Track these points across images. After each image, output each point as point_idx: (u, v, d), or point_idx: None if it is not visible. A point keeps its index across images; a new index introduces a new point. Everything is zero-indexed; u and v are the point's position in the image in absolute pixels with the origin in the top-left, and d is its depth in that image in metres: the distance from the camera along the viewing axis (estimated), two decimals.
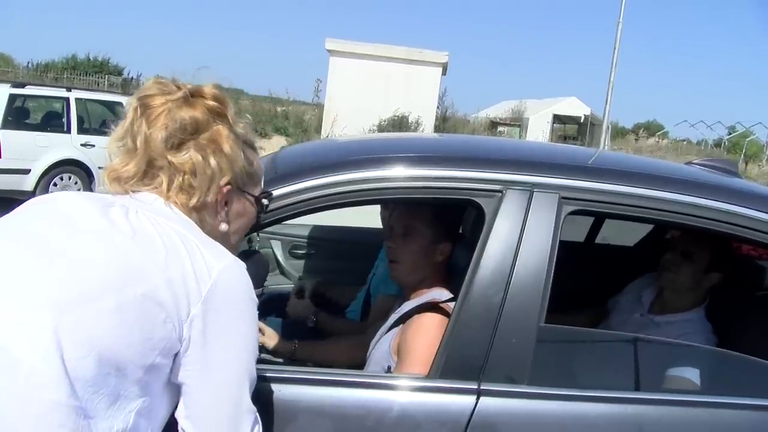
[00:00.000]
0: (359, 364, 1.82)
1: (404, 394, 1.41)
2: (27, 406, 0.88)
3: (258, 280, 1.68)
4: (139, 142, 1.09)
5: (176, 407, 1.07)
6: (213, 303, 1.02)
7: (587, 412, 1.43)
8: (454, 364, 1.41)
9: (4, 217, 1.09)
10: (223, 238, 1.16)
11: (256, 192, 1.25)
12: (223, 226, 1.17)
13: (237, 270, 1.07)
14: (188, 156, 1.10)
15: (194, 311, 1.00)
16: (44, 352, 0.90)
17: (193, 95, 1.14)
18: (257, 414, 1.11)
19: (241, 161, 1.18)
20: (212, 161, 1.11)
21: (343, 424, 1.38)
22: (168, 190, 1.10)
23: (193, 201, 1.11)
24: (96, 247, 1.00)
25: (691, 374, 1.71)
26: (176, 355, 1.03)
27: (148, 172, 1.11)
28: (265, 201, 1.29)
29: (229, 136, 1.15)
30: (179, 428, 1.07)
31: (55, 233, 1.02)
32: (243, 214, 1.23)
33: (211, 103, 1.15)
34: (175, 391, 1.06)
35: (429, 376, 1.42)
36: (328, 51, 19.55)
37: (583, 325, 2.03)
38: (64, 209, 1.07)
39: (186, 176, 1.10)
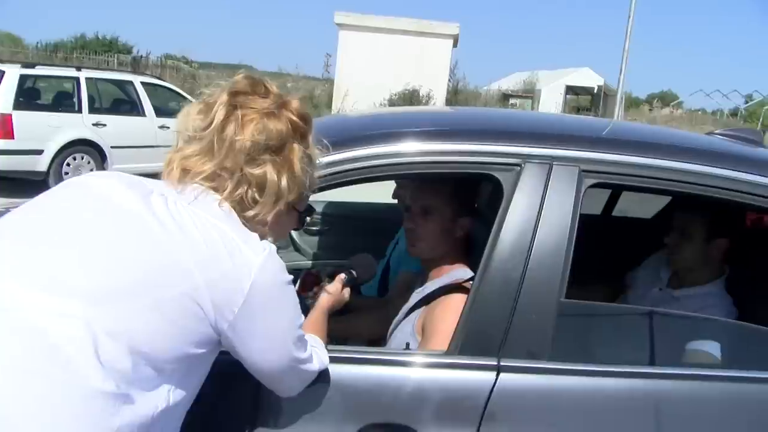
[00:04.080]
0: (380, 338, 1.82)
1: (424, 371, 1.40)
2: (68, 393, 0.90)
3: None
4: (223, 145, 1.08)
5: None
6: (255, 298, 1.04)
7: (608, 387, 1.42)
8: (474, 340, 1.40)
9: (38, 198, 1.09)
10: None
11: (302, 207, 1.25)
12: (270, 239, 1.17)
13: (272, 259, 1.08)
14: (263, 171, 1.10)
15: (237, 309, 1.03)
16: (79, 342, 0.91)
17: (282, 106, 1.13)
18: (315, 349, 1.25)
19: (306, 184, 1.18)
20: (283, 182, 1.11)
21: (362, 401, 1.38)
22: (228, 196, 1.09)
23: (250, 213, 1.11)
24: (136, 240, 1.00)
25: (712, 348, 1.70)
26: (216, 342, 1.07)
27: (215, 174, 1.10)
28: (308, 218, 1.29)
29: (303, 158, 1.15)
30: None
31: (94, 220, 1.02)
32: (286, 224, 1.24)
33: (296, 119, 1.14)
34: (214, 357, 1.12)
35: (448, 353, 1.41)
36: (338, 25, 19.36)
37: (602, 299, 2.01)
38: (103, 195, 1.06)
39: (253, 189, 1.10)
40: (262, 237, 1.13)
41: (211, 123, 1.09)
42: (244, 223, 1.10)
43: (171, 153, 1.13)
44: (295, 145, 1.13)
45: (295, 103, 1.16)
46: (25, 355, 0.89)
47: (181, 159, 1.10)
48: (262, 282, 1.04)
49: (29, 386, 0.88)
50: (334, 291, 1.56)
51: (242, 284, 1.02)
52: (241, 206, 1.10)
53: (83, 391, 0.90)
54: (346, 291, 1.61)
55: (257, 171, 1.09)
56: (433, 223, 1.72)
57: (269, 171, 1.10)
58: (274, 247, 1.10)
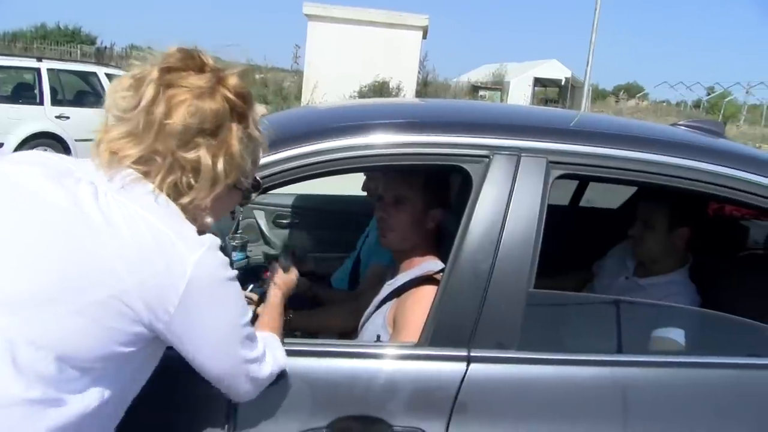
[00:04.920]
0: (352, 331, 1.82)
1: (395, 363, 1.40)
2: None
3: None
4: (152, 128, 0.99)
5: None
6: (192, 297, 0.98)
7: (576, 375, 1.44)
8: (444, 331, 1.40)
9: None
10: (201, 224, 1.08)
11: (246, 185, 1.16)
12: (208, 220, 1.10)
13: (211, 256, 1.00)
14: (196, 155, 1.01)
15: (172, 309, 0.96)
16: None
17: (218, 83, 1.04)
18: (270, 349, 1.19)
19: (248, 166, 1.10)
20: (219, 166, 1.03)
21: (334, 394, 1.37)
22: (161, 182, 1.01)
23: (185, 200, 1.03)
24: (58, 239, 0.94)
25: (676, 335, 1.74)
26: (152, 339, 1.01)
27: (145, 157, 1.01)
28: (253, 194, 1.21)
29: (242, 138, 1.05)
30: None
31: (13, 217, 0.96)
32: (228, 204, 1.16)
33: (233, 98, 1.05)
34: (156, 349, 1.06)
35: (419, 344, 1.41)
36: (306, 16, 19.17)
37: (570, 289, 2.04)
38: (25, 186, 0.98)
39: (188, 175, 1.02)
40: (202, 220, 1.07)
41: (139, 103, 1.00)
42: (181, 210, 1.03)
43: (100, 133, 1.04)
44: (233, 126, 1.04)
45: (232, 80, 1.05)
46: None
47: (109, 141, 1.02)
48: (198, 280, 0.97)
49: None
50: (279, 281, 1.55)
51: (176, 282, 0.95)
52: (176, 192, 1.02)
53: (2, 399, 0.86)
54: (293, 272, 1.58)
55: (190, 155, 1.00)
56: (404, 214, 1.72)
57: (203, 155, 1.01)
58: (215, 242, 1.02)
